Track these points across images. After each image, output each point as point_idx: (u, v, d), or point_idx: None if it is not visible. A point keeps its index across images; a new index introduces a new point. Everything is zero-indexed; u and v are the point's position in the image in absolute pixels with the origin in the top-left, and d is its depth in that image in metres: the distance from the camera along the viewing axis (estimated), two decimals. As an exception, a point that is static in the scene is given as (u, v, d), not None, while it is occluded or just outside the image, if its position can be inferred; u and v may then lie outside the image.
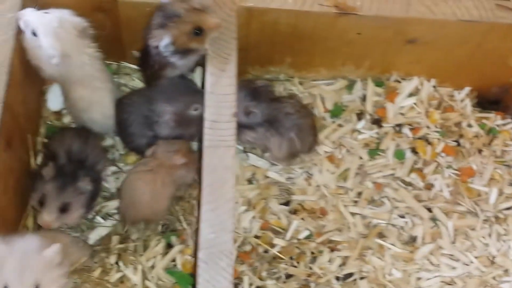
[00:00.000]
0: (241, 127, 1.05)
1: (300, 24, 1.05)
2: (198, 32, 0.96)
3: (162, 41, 0.95)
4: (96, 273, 1.00)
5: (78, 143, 1.03)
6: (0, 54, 0.93)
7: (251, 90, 1.06)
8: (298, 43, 1.10)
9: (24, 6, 0.97)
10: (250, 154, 1.15)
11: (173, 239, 1.06)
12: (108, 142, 1.14)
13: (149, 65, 1.04)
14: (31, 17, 0.94)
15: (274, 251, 1.06)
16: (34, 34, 0.94)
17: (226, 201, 0.86)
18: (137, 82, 1.18)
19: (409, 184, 1.14)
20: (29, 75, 1.02)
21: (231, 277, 0.82)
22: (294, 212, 1.11)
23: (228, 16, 1.00)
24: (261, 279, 1.04)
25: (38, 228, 1.01)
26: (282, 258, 1.06)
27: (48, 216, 0.97)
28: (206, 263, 0.82)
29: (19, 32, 0.96)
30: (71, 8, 0.96)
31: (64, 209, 0.98)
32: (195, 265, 1.02)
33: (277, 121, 1.08)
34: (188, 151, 1.05)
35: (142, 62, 1.10)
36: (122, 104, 1.08)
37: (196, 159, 1.04)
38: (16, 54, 0.95)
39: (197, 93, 1.05)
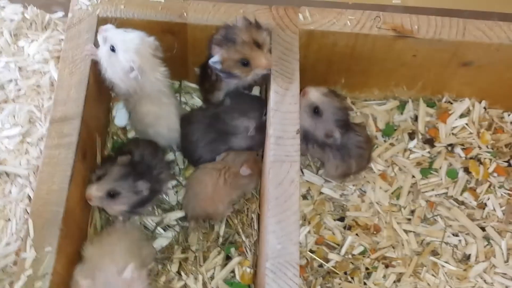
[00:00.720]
0: (311, 140, 1.09)
1: (358, 46, 1.09)
2: (245, 63, 1.00)
3: (213, 57, 1.01)
4: (162, 279, 1.05)
5: (149, 151, 1.08)
6: (79, 72, 1.00)
7: (344, 119, 1.07)
8: (355, 64, 1.14)
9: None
10: (305, 170, 1.18)
11: (232, 250, 1.09)
12: (169, 157, 1.18)
13: (208, 76, 1.09)
14: (112, 33, 0.99)
15: (329, 265, 1.09)
16: (113, 49, 0.98)
17: (292, 214, 0.90)
18: (196, 100, 1.23)
19: (461, 203, 1.17)
20: (100, 91, 1.08)
21: (298, 287, 0.85)
22: (349, 228, 1.14)
23: (291, 38, 1.04)
24: (316, 293, 1.07)
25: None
26: (336, 273, 1.09)
27: (95, 191, 0.98)
28: (274, 272, 0.86)
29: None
30: (143, 30, 1.02)
31: (112, 194, 0.99)
32: (253, 276, 1.06)
33: (345, 147, 1.10)
34: (254, 162, 1.09)
35: (201, 76, 1.15)
36: (189, 126, 1.11)
37: (260, 170, 1.09)
38: (91, 71, 1.01)
39: (260, 100, 1.11)
